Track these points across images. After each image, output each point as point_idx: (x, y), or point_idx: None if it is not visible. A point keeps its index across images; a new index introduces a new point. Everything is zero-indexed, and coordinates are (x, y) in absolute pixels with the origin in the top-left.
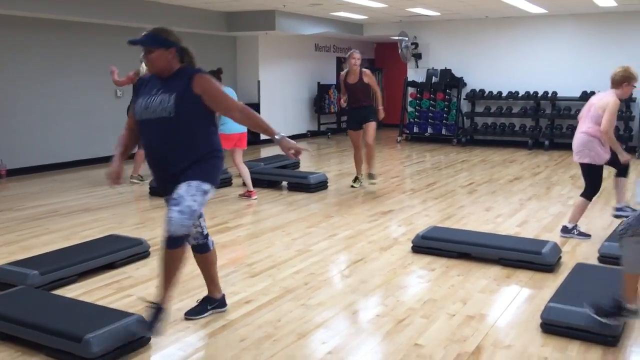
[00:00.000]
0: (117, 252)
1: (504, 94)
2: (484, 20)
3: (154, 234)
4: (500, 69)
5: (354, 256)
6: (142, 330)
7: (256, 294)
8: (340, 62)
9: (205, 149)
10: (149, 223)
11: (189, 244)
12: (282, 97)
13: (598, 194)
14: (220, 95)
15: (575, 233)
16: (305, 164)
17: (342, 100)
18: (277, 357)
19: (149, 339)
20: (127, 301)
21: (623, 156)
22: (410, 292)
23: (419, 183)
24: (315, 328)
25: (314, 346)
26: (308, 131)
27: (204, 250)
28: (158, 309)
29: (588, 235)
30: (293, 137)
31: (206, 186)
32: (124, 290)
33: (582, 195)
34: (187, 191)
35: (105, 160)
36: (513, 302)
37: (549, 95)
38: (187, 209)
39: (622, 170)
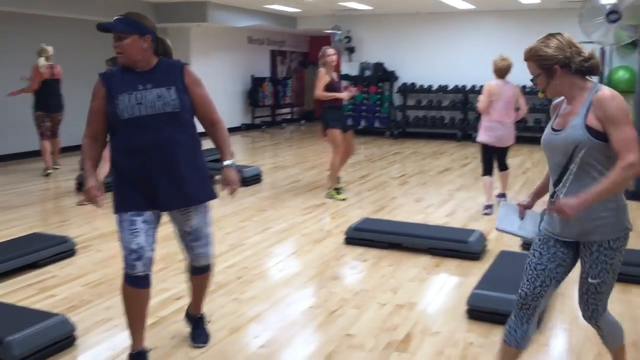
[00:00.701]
0: (41, 251)
1: (434, 88)
2: (415, 16)
3: (79, 232)
4: (431, 63)
5: (288, 249)
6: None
7: (188, 290)
8: (274, 55)
9: (200, 148)
10: (74, 220)
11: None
12: (215, 90)
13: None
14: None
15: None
16: (239, 157)
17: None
18: (208, 353)
19: (75, 340)
20: (51, 301)
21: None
22: (343, 283)
23: (352, 175)
24: (247, 322)
25: (246, 340)
26: (242, 124)
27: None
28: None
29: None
30: (227, 130)
31: (210, 202)
32: (48, 290)
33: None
34: (205, 223)
35: (25, 156)
36: (441, 290)
37: (476, 88)
38: (209, 239)
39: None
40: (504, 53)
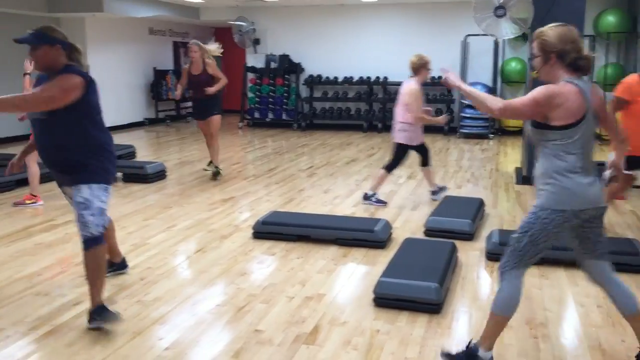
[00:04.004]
0: None
1: (340, 79)
2: (320, 7)
3: None
4: (336, 54)
5: (194, 247)
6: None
7: (86, 295)
8: (177, 47)
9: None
10: None
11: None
12: (115, 83)
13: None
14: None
15: (374, 200)
16: (143, 153)
17: (178, 91)
18: (110, 359)
19: None
20: None
21: (441, 119)
22: (251, 279)
23: (260, 168)
24: (151, 324)
25: (150, 343)
26: (145, 119)
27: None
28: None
29: (384, 202)
30: (129, 125)
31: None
32: None
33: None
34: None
35: None
36: (349, 280)
37: (381, 80)
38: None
39: (425, 161)
40: (406, 45)
